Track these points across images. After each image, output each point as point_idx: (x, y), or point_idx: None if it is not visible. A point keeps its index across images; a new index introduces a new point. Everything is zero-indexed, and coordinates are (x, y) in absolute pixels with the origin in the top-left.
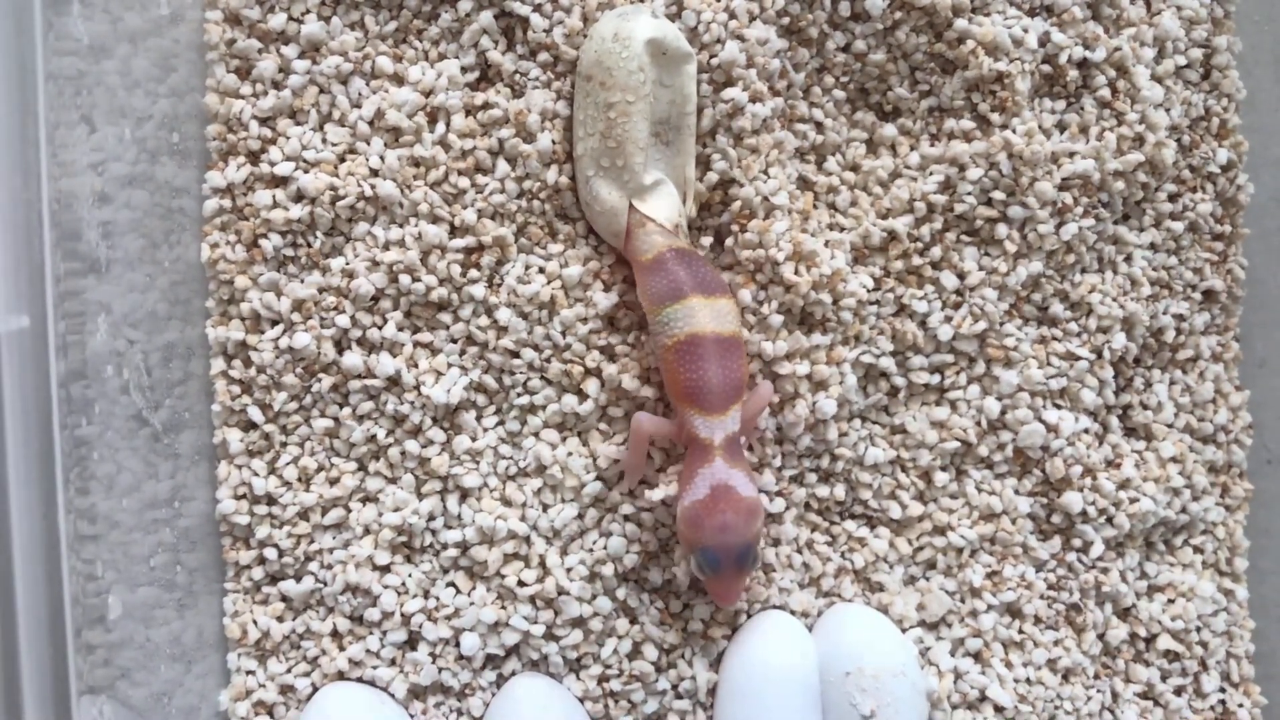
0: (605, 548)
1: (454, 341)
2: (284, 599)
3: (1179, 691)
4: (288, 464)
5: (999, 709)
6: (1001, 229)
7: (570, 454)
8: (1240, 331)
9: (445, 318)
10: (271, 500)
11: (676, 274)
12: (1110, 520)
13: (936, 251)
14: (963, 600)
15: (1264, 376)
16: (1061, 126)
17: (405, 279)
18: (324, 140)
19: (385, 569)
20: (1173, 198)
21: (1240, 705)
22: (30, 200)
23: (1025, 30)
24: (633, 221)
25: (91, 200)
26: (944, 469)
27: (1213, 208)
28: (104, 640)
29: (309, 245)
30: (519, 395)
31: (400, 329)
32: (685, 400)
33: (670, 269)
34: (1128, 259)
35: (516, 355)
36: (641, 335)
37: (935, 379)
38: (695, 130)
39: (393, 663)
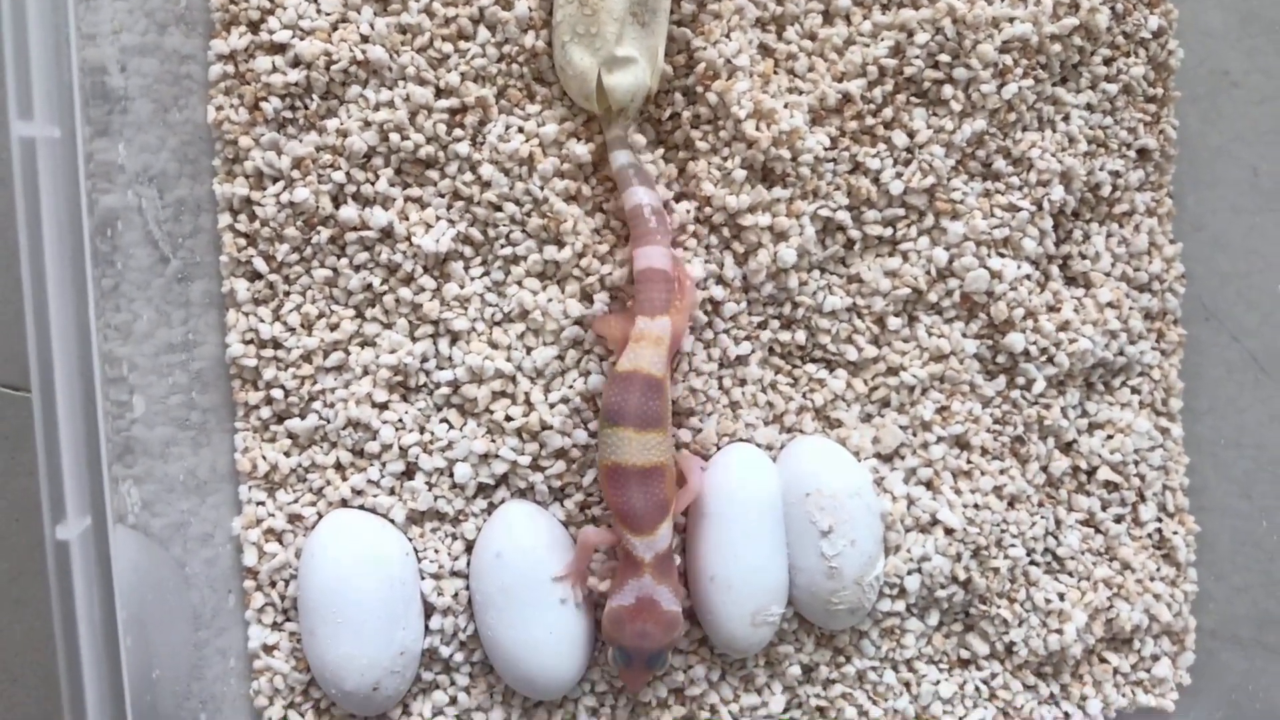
0: (585, 385)
1: (441, 196)
2: (290, 435)
3: (1119, 520)
4: (291, 311)
5: (949, 531)
6: (947, 90)
7: (550, 300)
8: (1174, 189)
9: (433, 174)
10: (277, 344)
11: (627, 401)
12: (1051, 359)
13: (888, 112)
14: (914, 434)
15: (1200, 237)
16: None
17: (395, 137)
18: (318, 10)
19: (383, 406)
20: (1107, 61)
21: (1175, 533)
22: (63, 67)
23: None
24: (634, 332)
25: (111, 68)
26: (897, 314)
27: (1145, 71)
28: (126, 475)
29: (306, 107)
30: (502, 246)
31: (392, 184)
32: (617, 518)
33: (627, 394)
34: (1065, 118)
35: (499, 209)
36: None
37: (888, 231)
38: (669, 14)
39: (392, 491)
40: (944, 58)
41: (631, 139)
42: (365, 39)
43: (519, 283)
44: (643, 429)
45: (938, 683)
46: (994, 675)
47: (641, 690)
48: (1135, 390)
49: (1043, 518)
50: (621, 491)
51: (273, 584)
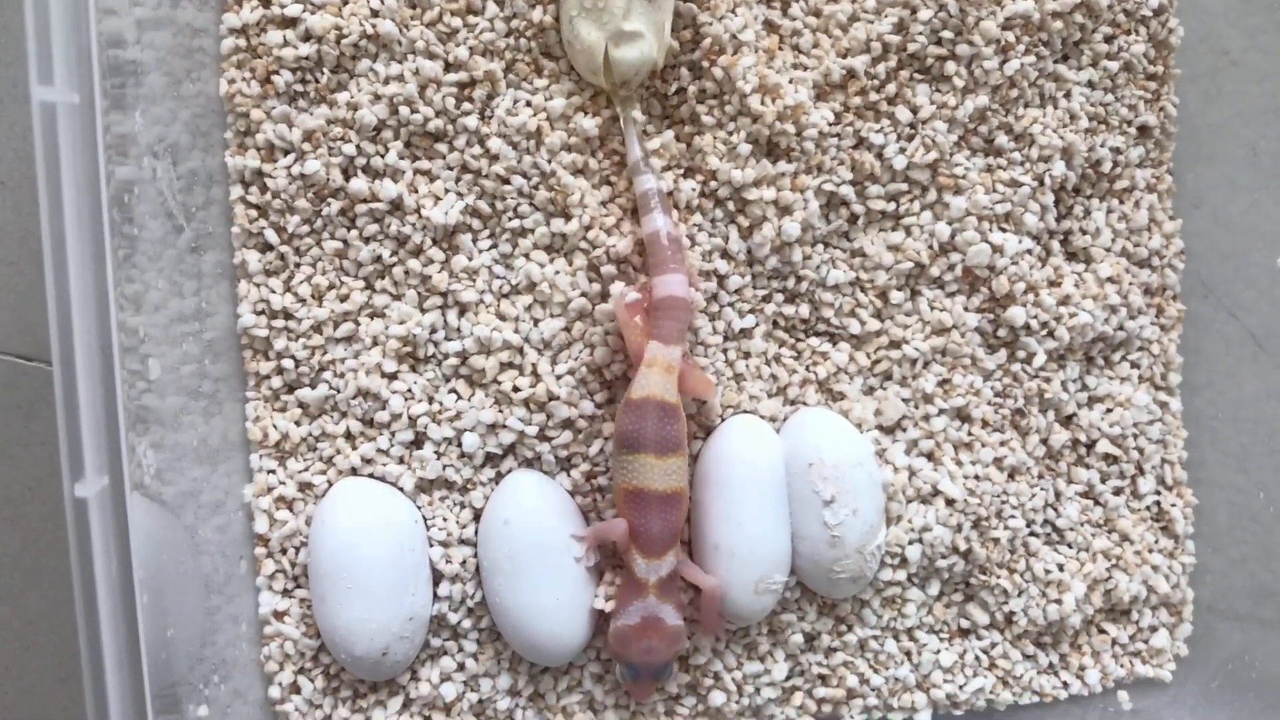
0: (592, 356)
1: (450, 169)
2: (301, 405)
3: (1117, 492)
4: (302, 282)
5: (950, 501)
6: (950, 66)
7: (558, 273)
8: (1173, 166)
9: (442, 147)
10: (288, 315)
11: (644, 427)
12: (1051, 333)
13: (891, 88)
14: (916, 406)
15: (1199, 214)
16: None
17: (405, 110)
18: None
19: (393, 376)
20: (1108, 39)
21: (1174, 505)
22: (83, 34)
23: None
24: (645, 357)
25: (127, 40)
26: (899, 288)
27: (1145, 49)
28: (138, 444)
29: (317, 81)
30: (510, 219)
31: (401, 157)
32: (631, 539)
33: (643, 420)
34: (1067, 95)
35: (507, 182)
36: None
37: (891, 206)
38: None
39: (401, 460)
40: (947, 34)
41: (634, 116)
42: (375, 13)
43: (526, 255)
44: (663, 454)
45: (938, 652)
46: (994, 645)
47: (648, 700)
48: (1135, 364)
49: (1042, 489)
50: (642, 515)
51: (283, 551)
